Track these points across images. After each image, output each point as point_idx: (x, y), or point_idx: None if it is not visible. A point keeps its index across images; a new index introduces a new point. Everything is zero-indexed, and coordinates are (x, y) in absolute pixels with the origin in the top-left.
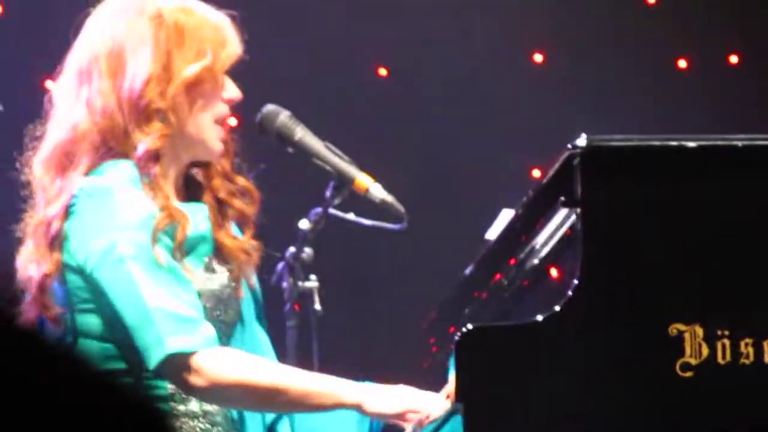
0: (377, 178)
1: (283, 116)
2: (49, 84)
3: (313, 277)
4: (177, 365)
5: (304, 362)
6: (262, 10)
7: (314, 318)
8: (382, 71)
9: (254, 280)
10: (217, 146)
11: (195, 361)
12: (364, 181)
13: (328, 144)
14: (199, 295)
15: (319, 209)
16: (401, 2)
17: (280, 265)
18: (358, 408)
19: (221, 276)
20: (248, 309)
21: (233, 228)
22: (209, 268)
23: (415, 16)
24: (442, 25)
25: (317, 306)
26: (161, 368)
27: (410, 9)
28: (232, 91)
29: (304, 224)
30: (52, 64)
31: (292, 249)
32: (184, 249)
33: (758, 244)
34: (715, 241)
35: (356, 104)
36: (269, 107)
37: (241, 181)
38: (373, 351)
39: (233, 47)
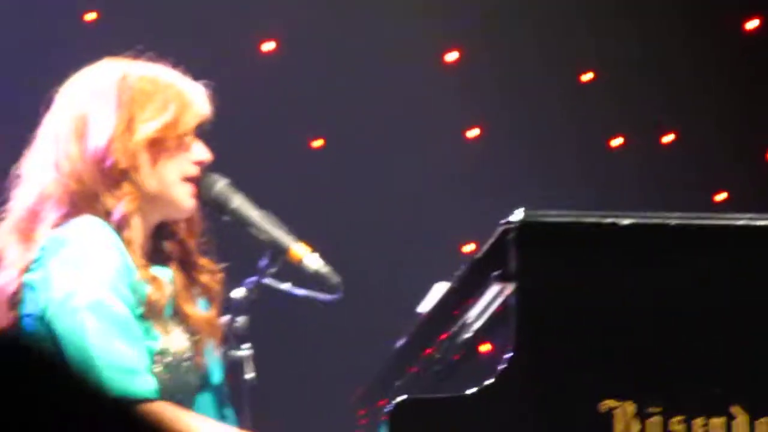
0: (311, 249)
1: (221, 184)
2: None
3: (246, 345)
4: None
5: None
6: (199, 81)
7: (246, 387)
8: (317, 143)
9: (219, 353)
10: (188, 203)
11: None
12: (298, 251)
13: (268, 213)
14: (163, 352)
15: (253, 278)
16: (336, 74)
17: None
18: None
19: (184, 341)
20: (212, 379)
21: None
22: (171, 331)
23: (349, 88)
24: (376, 99)
25: (250, 375)
26: None
27: (346, 82)
28: (200, 152)
29: (237, 293)
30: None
31: (224, 318)
32: (155, 310)
33: (691, 322)
34: (648, 318)
35: (291, 176)
36: (207, 175)
37: (203, 261)
38: (304, 420)
39: (199, 109)
